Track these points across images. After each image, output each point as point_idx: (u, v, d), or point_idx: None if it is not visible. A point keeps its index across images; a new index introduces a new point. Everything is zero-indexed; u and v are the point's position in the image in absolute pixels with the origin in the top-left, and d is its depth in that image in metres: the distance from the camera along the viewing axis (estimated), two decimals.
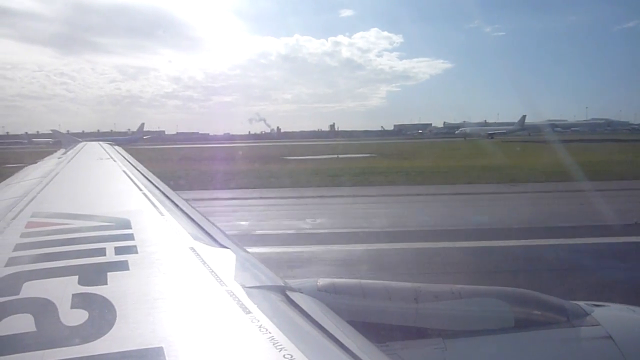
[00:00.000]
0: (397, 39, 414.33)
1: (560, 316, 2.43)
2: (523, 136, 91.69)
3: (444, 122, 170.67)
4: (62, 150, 11.21)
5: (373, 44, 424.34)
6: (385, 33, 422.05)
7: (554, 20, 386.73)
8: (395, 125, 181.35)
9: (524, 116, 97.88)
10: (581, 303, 2.61)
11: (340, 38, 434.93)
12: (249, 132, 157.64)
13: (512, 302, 2.41)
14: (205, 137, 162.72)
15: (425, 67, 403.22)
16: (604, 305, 2.70)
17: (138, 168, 5.52)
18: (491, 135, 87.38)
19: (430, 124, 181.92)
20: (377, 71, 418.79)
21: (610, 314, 2.59)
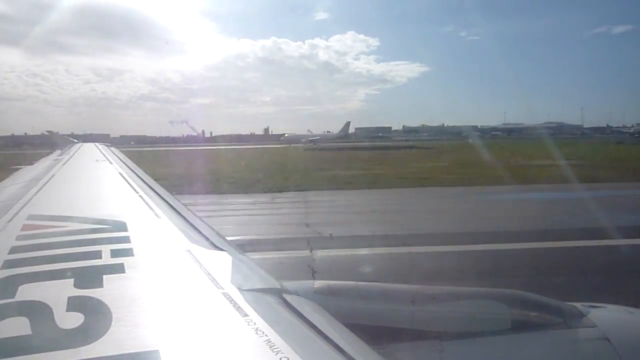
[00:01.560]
0: (374, 42, 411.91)
1: (556, 317, 2.44)
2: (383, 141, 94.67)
3: (403, 126, 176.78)
4: (58, 152, 11.17)
5: (350, 47, 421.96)
6: (362, 36, 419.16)
7: (526, 25, 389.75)
8: (356, 129, 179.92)
9: (348, 123, 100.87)
10: (577, 304, 2.61)
11: (317, 41, 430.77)
12: (184, 135, 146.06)
13: (509, 303, 2.42)
14: (142, 140, 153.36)
15: (403, 70, 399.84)
16: (600, 307, 2.71)
17: (134, 170, 5.50)
18: (313, 142, 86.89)
19: (390, 128, 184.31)
20: (354, 74, 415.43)
21: (606, 315, 2.60)
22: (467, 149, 58.06)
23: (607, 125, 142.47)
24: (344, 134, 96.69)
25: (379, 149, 67.71)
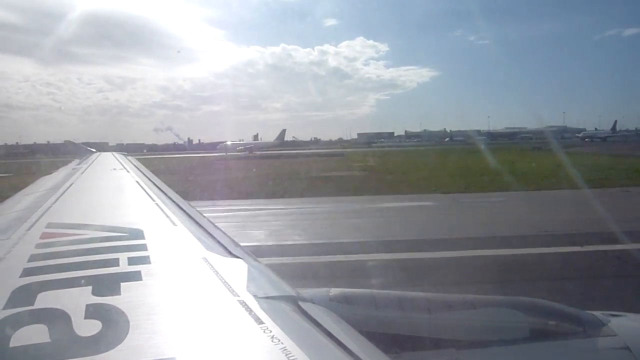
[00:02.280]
0: (383, 47, 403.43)
1: (576, 326, 2.39)
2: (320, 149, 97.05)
3: (405, 131, 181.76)
4: (77, 161, 11.35)
5: (359, 53, 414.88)
6: (371, 42, 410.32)
7: (534, 29, 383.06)
8: (358, 134, 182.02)
9: (284, 130, 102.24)
10: (597, 313, 2.56)
11: (327, 47, 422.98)
12: (174, 142, 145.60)
13: (527, 312, 2.38)
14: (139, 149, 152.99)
15: (412, 75, 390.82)
16: (621, 315, 2.65)
17: (151, 179, 5.56)
18: (247, 150, 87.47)
19: (393, 133, 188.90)
20: (364, 80, 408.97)
21: (627, 324, 2.54)
22: (382, 156, 60.26)
23: (595, 129, 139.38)
24: (280, 142, 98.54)
25: (293, 157, 66.36)
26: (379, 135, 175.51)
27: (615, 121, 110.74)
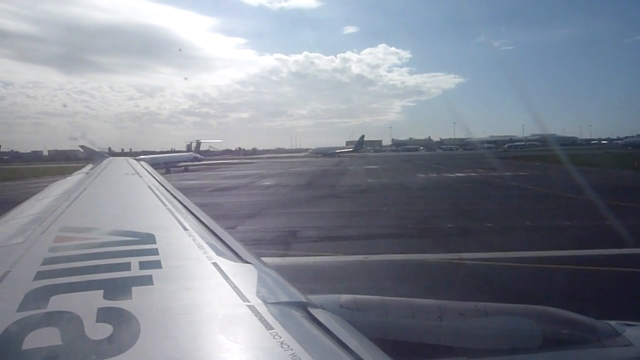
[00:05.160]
0: (405, 54, 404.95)
1: (590, 335, 2.35)
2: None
3: (392, 139, 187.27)
4: (90, 166, 11.45)
5: (382, 60, 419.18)
6: (393, 49, 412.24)
7: (559, 34, 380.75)
8: (347, 142, 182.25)
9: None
10: (612, 322, 2.52)
11: (349, 54, 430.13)
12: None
13: (540, 320, 2.35)
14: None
15: (438, 81, 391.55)
16: (636, 325, 2.60)
17: (163, 184, 5.59)
18: None
19: (380, 141, 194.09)
20: (389, 86, 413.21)
21: None
22: None
23: (599, 138, 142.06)
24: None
25: None
26: (367, 144, 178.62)
27: (362, 136, 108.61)
